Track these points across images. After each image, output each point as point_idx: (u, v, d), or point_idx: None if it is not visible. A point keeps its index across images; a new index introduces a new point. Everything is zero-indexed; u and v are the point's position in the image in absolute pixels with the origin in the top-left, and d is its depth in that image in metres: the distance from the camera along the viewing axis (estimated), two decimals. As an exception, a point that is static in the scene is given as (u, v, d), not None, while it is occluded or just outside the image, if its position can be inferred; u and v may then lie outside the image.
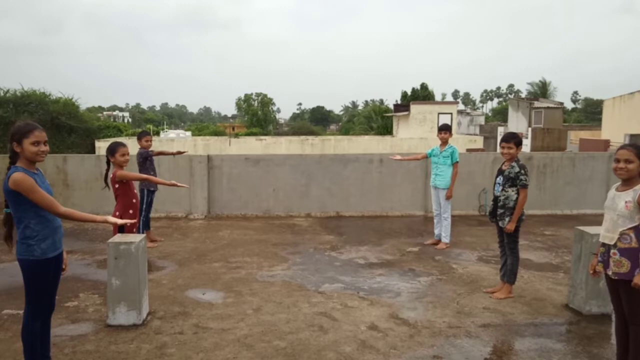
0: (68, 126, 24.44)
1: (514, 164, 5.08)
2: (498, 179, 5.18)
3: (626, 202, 3.28)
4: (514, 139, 5.12)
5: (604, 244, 3.47)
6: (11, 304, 4.79)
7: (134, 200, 5.24)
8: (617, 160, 3.38)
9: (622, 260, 3.27)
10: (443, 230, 7.21)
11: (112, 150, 5.17)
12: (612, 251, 3.35)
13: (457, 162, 7.11)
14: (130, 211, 5.15)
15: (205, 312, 4.70)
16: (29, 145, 3.09)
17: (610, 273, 3.40)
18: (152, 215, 7.53)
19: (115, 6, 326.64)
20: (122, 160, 5.17)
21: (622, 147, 3.45)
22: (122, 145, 5.27)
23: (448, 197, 7.10)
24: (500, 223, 5.13)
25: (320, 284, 5.55)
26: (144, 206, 7.11)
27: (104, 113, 77.82)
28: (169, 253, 6.80)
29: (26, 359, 3.25)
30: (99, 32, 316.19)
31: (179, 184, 5.37)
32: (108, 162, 5.22)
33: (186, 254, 6.75)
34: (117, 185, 5.13)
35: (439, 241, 7.25)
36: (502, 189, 5.08)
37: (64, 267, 3.39)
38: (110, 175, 5.17)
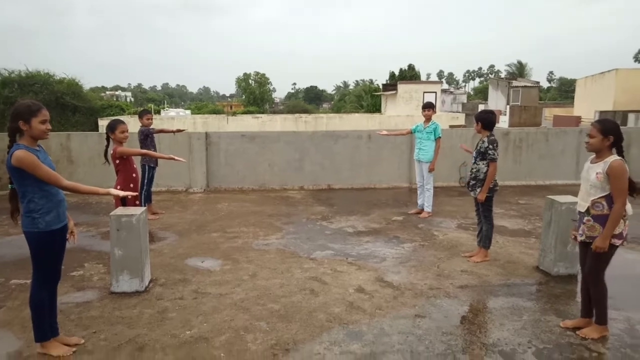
0: (72, 105, 24.06)
1: (485, 139, 5.07)
2: (474, 153, 5.19)
3: (597, 173, 3.33)
4: (479, 119, 5.10)
5: (579, 212, 3.51)
6: (19, 274, 4.76)
7: (134, 175, 5.18)
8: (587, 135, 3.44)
9: (595, 226, 3.37)
10: (426, 200, 7.23)
11: (111, 127, 5.08)
12: (585, 218, 3.42)
13: (440, 137, 7.09)
14: (131, 185, 5.10)
15: (204, 278, 4.71)
16: (37, 124, 3.02)
17: (583, 237, 3.47)
18: (153, 189, 7.46)
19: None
20: (121, 137, 5.08)
21: (592, 123, 3.47)
22: (122, 122, 5.18)
23: (431, 170, 7.10)
24: (472, 193, 5.16)
25: (312, 251, 5.57)
26: (146, 181, 7.04)
27: (107, 93, 76.58)
28: (170, 224, 6.77)
29: (34, 325, 3.24)
30: (103, 15, 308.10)
31: (176, 158, 5.30)
32: (108, 139, 5.13)
33: (186, 225, 6.73)
34: (117, 161, 5.06)
35: (421, 210, 7.28)
36: (475, 162, 5.11)
37: (74, 236, 3.35)
38: (110, 151, 5.09)
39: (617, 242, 3.35)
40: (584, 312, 3.65)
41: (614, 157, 3.31)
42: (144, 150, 5.81)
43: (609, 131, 3.30)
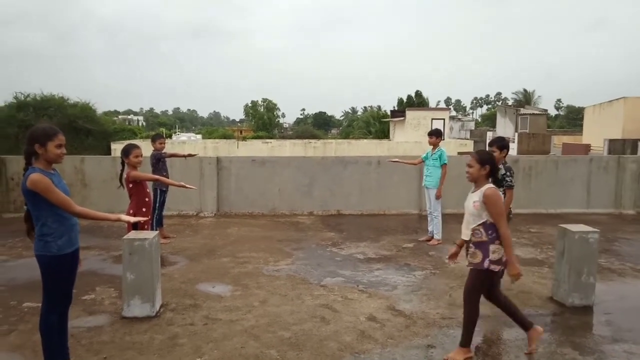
0: (85, 129, 24.40)
1: (501, 166, 5.06)
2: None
3: (474, 202, 3.46)
4: (497, 143, 5.11)
5: (465, 240, 3.64)
6: (31, 297, 4.76)
7: (147, 199, 5.23)
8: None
9: (477, 252, 3.47)
10: (435, 227, 7.18)
11: (126, 151, 5.16)
12: (469, 245, 3.56)
13: (446, 163, 7.07)
14: (144, 209, 5.14)
15: (215, 304, 4.69)
16: (53, 148, 3.06)
17: (467, 264, 3.60)
18: (164, 213, 7.50)
19: (128, 17, 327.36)
20: (135, 161, 5.15)
21: (470, 154, 3.68)
22: (136, 147, 5.26)
23: (437, 197, 7.07)
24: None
25: (322, 277, 5.53)
26: (157, 205, 7.08)
27: (120, 117, 77.81)
28: (181, 249, 6.78)
29: (44, 349, 3.21)
30: (115, 41, 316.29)
31: (187, 186, 5.32)
32: (123, 163, 5.21)
33: (197, 250, 6.73)
34: (130, 185, 5.12)
35: (432, 238, 7.23)
36: None
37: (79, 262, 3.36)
38: (124, 175, 5.16)
39: (495, 268, 3.44)
40: (523, 327, 3.71)
41: (488, 186, 3.44)
42: (156, 176, 5.86)
43: (485, 161, 3.45)
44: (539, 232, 7.93)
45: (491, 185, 3.45)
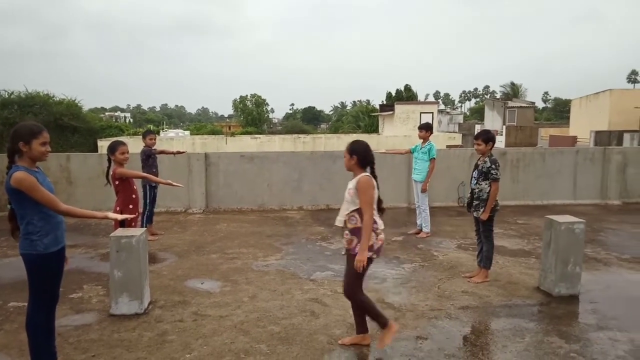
0: (71, 126, 24.04)
1: (486, 159, 5.10)
2: (474, 173, 5.21)
3: (349, 189, 3.55)
4: (482, 136, 5.15)
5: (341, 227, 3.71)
6: (17, 297, 4.70)
7: (134, 196, 5.18)
8: None
9: (353, 239, 3.54)
10: (423, 220, 7.23)
11: (112, 148, 5.10)
12: (345, 232, 3.61)
13: (434, 158, 7.08)
14: (130, 206, 5.10)
15: (204, 300, 4.67)
16: (38, 146, 3.02)
17: (343, 251, 3.68)
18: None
19: (116, 13, 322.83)
20: (121, 158, 5.10)
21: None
22: (122, 144, 5.20)
23: (423, 190, 7.10)
24: (475, 213, 5.16)
25: (312, 272, 5.53)
26: (148, 201, 7.04)
27: (106, 114, 76.82)
28: (169, 246, 6.74)
29: (31, 349, 3.17)
30: (101, 37, 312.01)
31: (174, 184, 5.23)
32: (109, 160, 5.15)
33: (185, 246, 6.70)
34: (117, 182, 5.06)
35: (420, 231, 7.27)
36: (477, 182, 5.12)
37: (66, 261, 3.32)
38: (111, 172, 5.10)
39: (369, 253, 3.48)
40: (358, 329, 3.74)
41: (363, 174, 3.56)
42: (143, 174, 5.79)
43: (353, 151, 3.58)
44: (526, 224, 8.02)
45: (367, 174, 3.57)
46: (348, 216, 3.54)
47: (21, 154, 3.02)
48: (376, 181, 3.59)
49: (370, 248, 3.48)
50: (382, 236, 3.60)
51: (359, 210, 3.49)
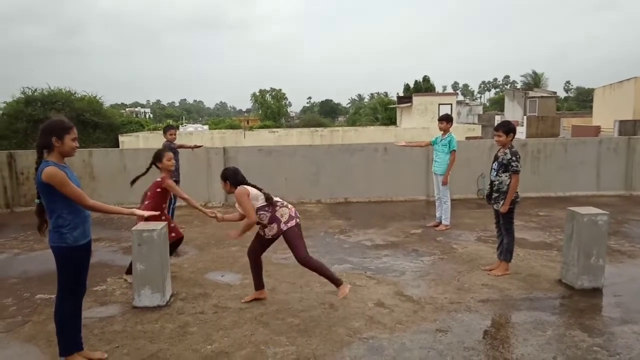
0: (93, 122, 24.54)
1: (507, 150, 5.01)
2: (494, 164, 5.13)
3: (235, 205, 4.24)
4: (502, 127, 5.05)
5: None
6: (44, 290, 4.84)
7: (164, 206, 5.12)
8: None
9: (273, 226, 4.23)
10: (443, 213, 7.16)
11: (159, 156, 5.09)
12: (265, 229, 4.29)
13: (455, 150, 7.00)
14: (157, 213, 5.12)
15: (224, 292, 4.73)
16: (69, 141, 3.09)
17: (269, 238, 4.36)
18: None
19: (132, 8, 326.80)
20: (169, 165, 5.09)
21: None
22: (167, 150, 5.26)
23: (444, 183, 7.03)
24: (495, 206, 5.09)
25: (330, 264, 5.53)
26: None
27: (127, 109, 77.97)
28: (190, 239, 6.83)
29: (59, 339, 3.27)
30: (120, 34, 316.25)
31: (207, 212, 4.95)
32: (149, 167, 5.13)
33: (205, 240, 6.79)
34: (158, 190, 5.01)
35: (439, 223, 7.21)
36: (497, 174, 5.04)
37: None
38: (158, 179, 5.06)
39: (290, 224, 4.25)
40: (256, 286, 4.50)
41: (238, 188, 4.16)
42: (186, 196, 5.39)
43: (225, 178, 4.25)
44: (548, 216, 7.88)
45: (241, 186, 4.19)
46: (258, 215, 4.20)
47: (51, 149, 3.08)
48: (252, 185, 4.30)
49: (289, 219, 4.22)
50: (286, 211, 4.27)
51: (260, 208, 4.20)
